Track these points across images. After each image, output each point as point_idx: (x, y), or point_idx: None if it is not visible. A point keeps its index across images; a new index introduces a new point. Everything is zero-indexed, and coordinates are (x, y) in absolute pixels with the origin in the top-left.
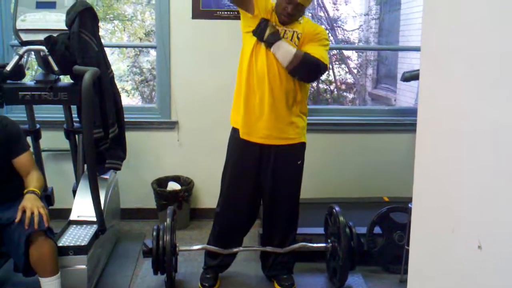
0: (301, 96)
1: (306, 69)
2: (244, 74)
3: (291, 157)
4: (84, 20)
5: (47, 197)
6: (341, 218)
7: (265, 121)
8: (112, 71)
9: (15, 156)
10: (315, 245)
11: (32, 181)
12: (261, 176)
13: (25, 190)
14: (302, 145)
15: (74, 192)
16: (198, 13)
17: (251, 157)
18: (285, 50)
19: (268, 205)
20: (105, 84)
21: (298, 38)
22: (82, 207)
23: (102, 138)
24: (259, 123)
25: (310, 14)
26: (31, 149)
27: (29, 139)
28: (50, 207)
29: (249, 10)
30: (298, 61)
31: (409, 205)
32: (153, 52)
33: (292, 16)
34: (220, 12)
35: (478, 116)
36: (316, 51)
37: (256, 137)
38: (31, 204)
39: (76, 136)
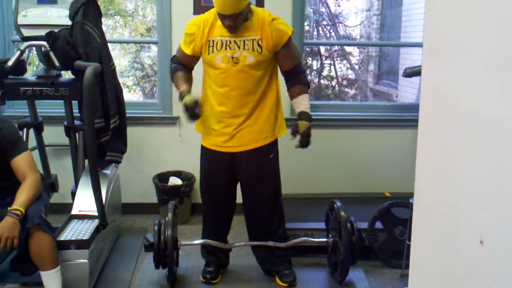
0: (266, 101)
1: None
2: (208, 99)
3: (263, 154)
4: (87, 11)
5: (51, 184)
6: (342, 213)
7: (235, 138)
8: (114, 63)
9: (11, 158)
10: (316, 240)
11: (21, 194)
12: (237, 175)
13: (10, 207)
14: (274, 141)
15: (73, 194)
16: (200, 8)
17: (224, 162)
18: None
19: (247, 203)
20: (107, 76)
21: (259, 45)
22: (84, 201)
23: (103, 129)
24: (230, 141)
25: (311, 10)
26: (35, 144)
27: (31, 132)
28: (53, 201)
29: (197, 51)
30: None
31: (410, 200)
32: (154, 48)
33: (236, 27)
34: None
35: (481, 112)
36: (293, 59)
37: (228, 149)
38: (5, 235)
39: (76, 134)
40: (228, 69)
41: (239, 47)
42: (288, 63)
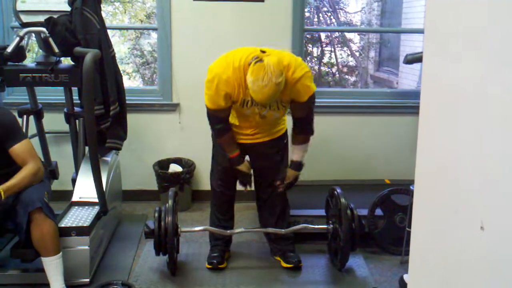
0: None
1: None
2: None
3: (278, 141)
4: None
5: (51, 171)
6: (342, 200)
7: (253, 139)
8: (113, 50)
9: (9, 147)
10: (316, 226)
11: (13, 178)
12: (252, 162)
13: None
14: (285, 132)
15: (74, 181)
16: None
17: (242, 149)
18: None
19: (262, 187)
20: (107, 62)
21: (283, 105)
22: (84, 188)
23: (103, 116)
24: (249, 139)
25: None
26: (35, 131)
27: (31, 119)
28: (54, 188)
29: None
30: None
31: (411, 187)
32: (154, 34)
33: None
34: None
35: (483, 97)
36: (306, 111)
37: (247, 141)
38: None
39: (77, 121)
40: (255, 119)
41: (265, 107)
42: (300, 113)
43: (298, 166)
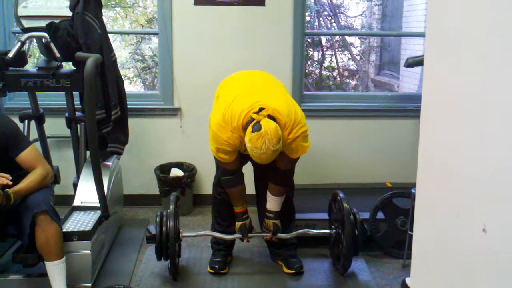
0: None
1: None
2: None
3: None
4: (88, 2)
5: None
6: (346, 205)
7: None
8: (115, 54)
9: (16, 155)
10: (318, 231)
11: (24, 181)
12: (253, 164)
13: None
14: None
15: (75, 186)
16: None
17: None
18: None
19: (263, 187)
20: (108, 67)
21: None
22: (85, 193)
23: (104, 121)
24: None
25: (312, 0)
26: (36, 136)
27: (33, 124)
28: (55, 193)
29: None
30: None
31: (412, 190)
32: (155, 39)
33: None
34: None
35: (485, 100)
36: (290, 165)
37: None
38: None
39: (78, 125)
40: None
41: None
42: (285, 166)
43: (276, 215)
